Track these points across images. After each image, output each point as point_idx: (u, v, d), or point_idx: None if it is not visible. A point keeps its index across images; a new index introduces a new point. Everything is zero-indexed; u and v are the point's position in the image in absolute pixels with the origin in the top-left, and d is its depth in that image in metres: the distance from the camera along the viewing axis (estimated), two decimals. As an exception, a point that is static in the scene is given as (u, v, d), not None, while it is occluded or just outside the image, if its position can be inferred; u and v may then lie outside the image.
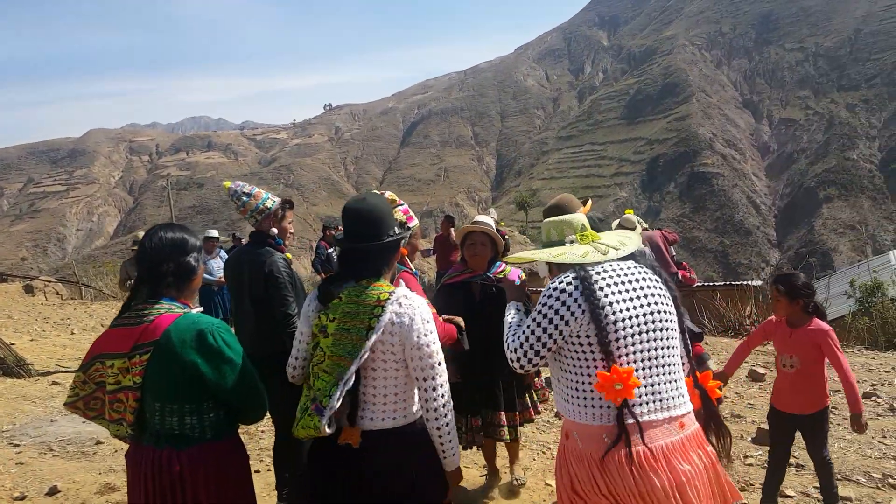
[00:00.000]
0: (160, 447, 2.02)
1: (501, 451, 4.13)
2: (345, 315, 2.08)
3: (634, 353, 1.96)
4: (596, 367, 1.97)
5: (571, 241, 2.19)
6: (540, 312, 2.04)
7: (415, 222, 3.05)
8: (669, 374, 2.01)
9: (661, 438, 1.93)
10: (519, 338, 2.09)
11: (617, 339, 1.95)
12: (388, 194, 3.10)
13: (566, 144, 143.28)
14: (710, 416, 2.11)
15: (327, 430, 2.01)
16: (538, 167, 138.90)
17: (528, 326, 2.07)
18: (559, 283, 2.05)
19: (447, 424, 2.12)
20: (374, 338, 2.02)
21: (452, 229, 9.07)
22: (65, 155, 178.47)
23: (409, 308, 2.09)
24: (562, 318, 1.99)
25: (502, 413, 3.63)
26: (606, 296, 1.98)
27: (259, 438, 5.17)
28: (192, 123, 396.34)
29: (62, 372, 7.79)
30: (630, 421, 1.90)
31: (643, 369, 1.96)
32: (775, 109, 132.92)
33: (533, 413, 3.79)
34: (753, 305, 8.66)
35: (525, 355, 2.06)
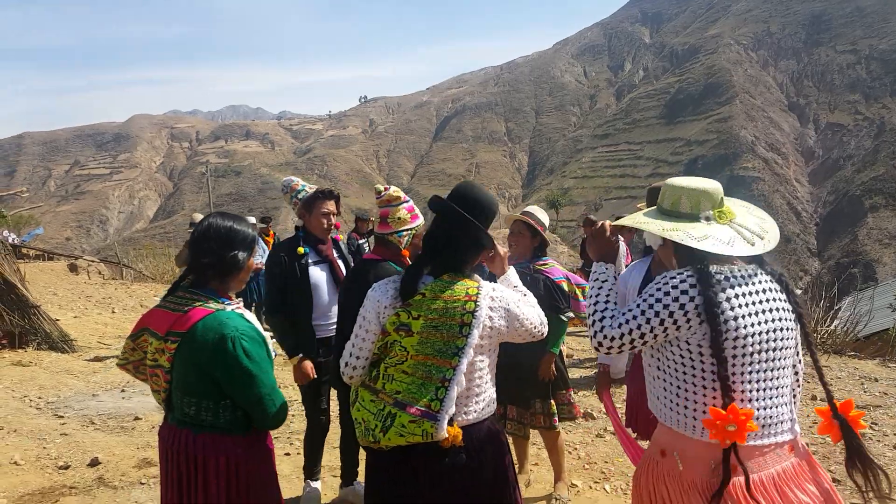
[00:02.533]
0: (181, 427, 2.06)
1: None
2: (432, 312, 1.97)
3: (752, 372, 1.73)
4: (705, 382, 1.74)
5: (708, 219, 1.83)
6: (649, 305, 1.77)
7: (419, 220, 3.05)
8: (783, 395, 1.79)
9: (771, 465, 1.75)
10: (616, 321, 1.83)
11: (734, 357, 1.71)
12: (393, 189, 3.12)
13: (601, 143, 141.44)
14: (853, 451, 1.83)
15: (444, 435, 1.92)
16: (571, 165, 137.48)
17: (632, 312, 1.80)
18: (679, 279, 1.76)
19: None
20: (475, 334, 1.94)
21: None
22: (109, 139, 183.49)
23: (501, 300, 2.03)
24: (675, 321, 1.74)
25: (570, 391, 3.69)
26: (732, 308, 1.72)
27: (289, 422, 5.28)
28: (231, 112, 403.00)
29: (104, 348, 8.05)
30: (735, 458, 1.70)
31: (759, 390, 1.74)
32: (822, 113, 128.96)
33: (542, 420, 3.63)
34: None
35: (615, 342, 1.82)
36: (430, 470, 1.98)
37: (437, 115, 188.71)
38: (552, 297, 3.51)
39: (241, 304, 2.12)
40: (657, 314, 1.76)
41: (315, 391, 3.55)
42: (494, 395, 2.12)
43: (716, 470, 1.72)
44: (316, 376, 3.46)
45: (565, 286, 3.61)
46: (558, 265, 3.73)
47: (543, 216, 3.75)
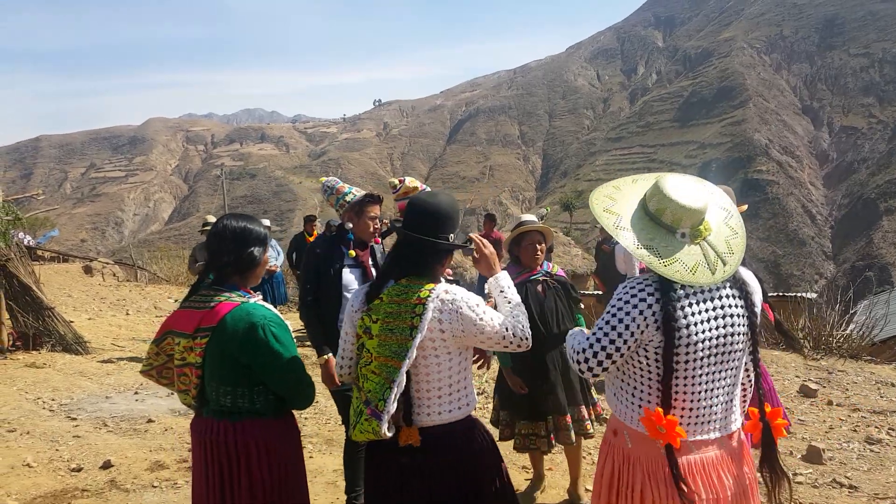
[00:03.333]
0: (219, 419, 2.19)
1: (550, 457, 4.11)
2: (387, 315, 2.05)
3: (700, 375, 1.86)
4: (649, 384, 1.89)
5: (683, 236, 1.90)
6: (615, 316, 1.89)
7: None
8: (729, 394, 1.93)
9: (710, 451, 1.90)
10: (588, 339, 1.95)
11: (685, 363, 1.84)
12: (409, 180, 3.14)
13: (615, 146, 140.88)
14: (767, 456, 1.96)
15: (388, 434, 1.99)
16: (585, 168, 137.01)
17: (601, 329, 1.91)
18: (639, 288, 1.89)
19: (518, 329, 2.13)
20: (418, 338, 1.99)
21: (495, 228, 9.17)
22: (125, 142, 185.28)
23: (452, 303, 2.04)
24: (637, 326, 1.86)
25: (583, 407, 3.65)
26: (687, 316, 1.83)
27: (302, 425, 5.29)
28: (246, 115, 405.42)
29: (117, 350, 8.11)
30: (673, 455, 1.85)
31: (706, 391, 1.87)
32: (836, 117, 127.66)
33: (601, 408, 3.80)
34: (807, 318, 8.37)
35: (595, 357, 1.92)
36: (391, 467, 2.09)
37: (451, 119, 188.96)
38: (575, 295, 3.74)
39: (261, 297, 2.24)
40: (621, 321, 1.87)
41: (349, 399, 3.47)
42: (470, 401, 2.14)
43: (661, 452, 1.85)
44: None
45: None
46: (556, 265, 3.89)
47: (536, 218, 3.90)
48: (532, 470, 4.07)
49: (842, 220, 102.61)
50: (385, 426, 1.97)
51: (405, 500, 2.07)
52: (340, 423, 3.74)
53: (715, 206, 2.00)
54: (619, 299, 1.91)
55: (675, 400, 1.87)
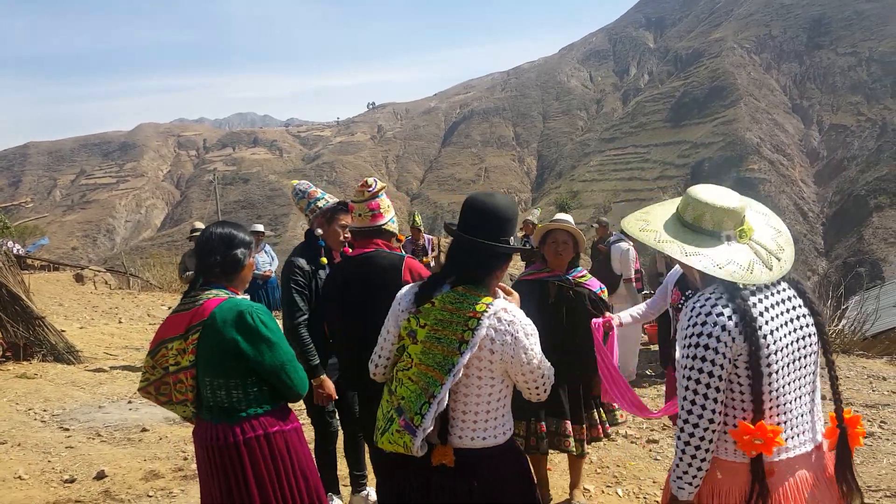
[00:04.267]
0: (216, 422, 2.28)
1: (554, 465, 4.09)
2: (437, 322, 1.94)
3: (788, 383, 1.76)
4: (738, 399, 1.76)
5: (729, 238, 1.81)
6: (696, 347, 1.72)
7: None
8: (812, 401, 1.85)
9: (801, 470, 1.79)
10: (690, 405, 1.74)
11: (770, 374, 1.73)
12: (371, 180, 3.17)
13: (609, 146, 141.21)
14: (842, 464, 1.84)
15: (420, 452, 1.90)
16: (580, 169, 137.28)
17: (687, 378, 1.73)
18: (710, 303, 1.74)
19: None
20: (468, 354, 1.87)
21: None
22: (115, 148, 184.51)
23: (510, 325, 1.93)
24: (723, 343, 1.71)
25: (569, 422, 3.44)
26: (763, 324, 1.73)
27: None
28: (238, 119, 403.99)
29: (110, 359, 8.06)
30: (771, 461, 1.75)
31: (794, 399, 1.78)
32: (826, 115, 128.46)
33: (601, 431, 3.57)
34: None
35: (699, 413, 1.72)
36: (416, 483, 1.98)
37: (446, 121, 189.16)
38: (599, 310, 3.43)
39: (248, 298, 2.40)
40: (710, 353, 1.71)
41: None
42: (507, 429, 2.04)
43: (768, 474, 1.74)
44: (336, 397, 3.36)
45: (605, 296, 3.55)
46: (592, 276, 3.63)
47: (570, 219, 3.67)
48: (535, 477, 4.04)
49: (833, 217, 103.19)
50: (418, 444, 1.88)
51: None
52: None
53: (751, 209, 1.96)
54: (692, 326, 1.74)
55: (769, 412, 1.75)
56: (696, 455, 1.74)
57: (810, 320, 1.83)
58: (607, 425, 3.64)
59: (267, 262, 8.42)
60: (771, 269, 1.77)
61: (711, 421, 1.72)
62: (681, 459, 1.78)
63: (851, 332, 8.34)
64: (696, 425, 1.73)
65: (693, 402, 1.73)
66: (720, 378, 1.71)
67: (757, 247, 1.81)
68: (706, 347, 1.70)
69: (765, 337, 1.71)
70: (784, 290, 1.84)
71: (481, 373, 1.93)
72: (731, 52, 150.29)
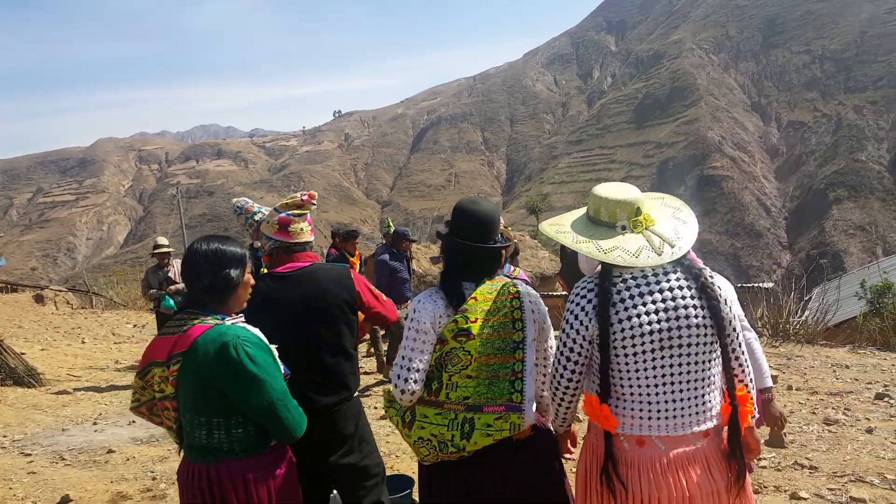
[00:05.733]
0: (194, 460, 2.03)
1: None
2: (486, 313, 2.06)
3: (654, 367, 1.85)
4: (596, 376, 1.93)
5: (623, 228, 1.95)
6: (566, 322, 1.95)
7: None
8: (696, 390, 1.88)
9: (683, 451, 1.87)
10: (553, 368, 2.02)
11: (632, 355, 1.86)
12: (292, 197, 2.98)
13: (576, 149, 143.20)
14: (731, 443, 1.91)
15: (532, 421, 2.05)
16: (548, 171, 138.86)
17: (557, 349, 1.99)
18: (581, 288, 1.96)
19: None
20: (531, 327, 2.08)
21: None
22: (74, 164, 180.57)
23: (534, 295, 2.19)
24: (581, 323, 1.91)
25: None
26: (627, 308, 1.85)
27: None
28: (201, 132, 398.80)
29: (73, 381, 7.84)
30: (620, 439, 1.90)
31: (660, 385, 1.86)
32: (783, 112, 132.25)
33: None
34: (765, 308, 8.61)
35: (559, 371, 1.98)
36: (503, 466, 2.05)
37: (414, 127, 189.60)
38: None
39: (243, 318, 2.11)
40: (571, 326, 1.92)
41: None
42: (535, 392, 2.20)
43: (626, 448, 1.89)
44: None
45: None
46: (518, 268, 3.93)
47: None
48: None
49: (794, 210, 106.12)
50: (530, 416, 2.03)
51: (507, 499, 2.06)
52: None
53: (661, 204, 2.08)
54: (568, 304, 1.97)
55: (628, 392, 1.88)
56: (558, 405, 2.04)
57: (701, 312, 1.88)
58: None
59: None
60: (660, 255, 1.88)
61: (561, 385, 1.97)
62: (552, 406, 2.08)
63: (815, 323, 8.56)
64: (554, 385, 2.01)
65: (554, 368, 2.00)
66: (573, 351, 1.92)
67: (651, 235, 1.92)
68: (568, 323, 1.93)
69: (622, 321, 1.84)
70: (674, 279, 1.90)
71: (534, 343, 2.13)
72: (690, 53, 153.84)
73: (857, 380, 6.19)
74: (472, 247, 2.15)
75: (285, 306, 2.61)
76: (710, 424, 1.90)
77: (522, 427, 2.02)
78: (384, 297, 2.90)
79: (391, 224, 9.69)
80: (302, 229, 2.76)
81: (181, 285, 7.67)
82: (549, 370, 2.09)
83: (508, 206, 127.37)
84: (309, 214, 2.88)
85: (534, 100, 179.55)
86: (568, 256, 8.16)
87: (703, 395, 1.89)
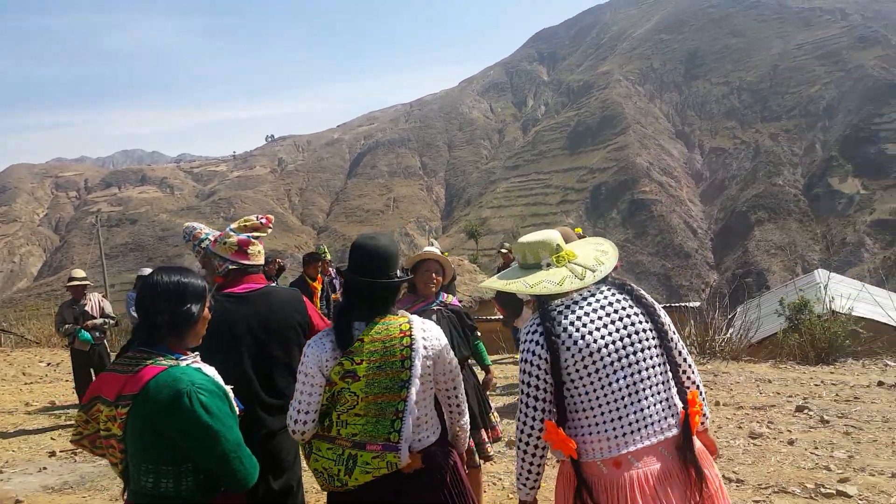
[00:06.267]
0: None
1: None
2: (372, 354, 2.12)
3: (616, 381, 1.90)
4: (584, 403, 1.93)
5: (548, 265, 2.06)
6: (523, 370, 1.98)
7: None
8: (660, 392, 1.94)
9: (655, 463, 1.88)
10: (519, 412, 2.01)
11: (596, 372, 1.90)
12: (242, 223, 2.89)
13: (513, 174, 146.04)
14: (684, 443, 1.93)
15: (407, 461, 2.09)
16: (487, 196, 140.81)
17: (523, 393, 1.98)
18: (529, 327, 2.02)
19: (468, 433, 2.45)
20: (418, 365, 2.12)
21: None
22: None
23: (431, 330, 2.23)
24: (539, 357, 1.94)
25: (483, 430, 3.67)
26: (578, 329, 1.91)
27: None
28: (124, 157, 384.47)
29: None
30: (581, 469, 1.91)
31: (629, 395, 1.90)
32: (706, 139, 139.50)
33: (499, 431, 3.84)
34: (692, 326, 8.89)
35: (528, 413, 1.97)
36: (398, 497, 2.13)
37: (350, 152, 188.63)
38: (470, 323, 3.77)
39: (199, 357, 2.02)
40: (530, 364, 1.95)
41: None
42: (439, 423, 2.31)
43: (603, 471, 1.89)
44: None
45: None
46: (452, 295, 3.92)
47: (438, 250, 3.95)
48: None
49: (719, 232, 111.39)
50: (405, 455, 2.08)
51: None
52: None
53: (584, 243, 2.22)
54: (523, 343, 2.00)
55: (598, 413, 1.90)
56: (524, 458, 1.98)
57: (642, 318, 1.97)
58: (497, 427, 3.86)
59: None
60: (582, 279, 1.98)
61: (533, 427, 1.95)
62: (517, 461, 2.02)
63: (739, 340, 8.91)
64: (521, 430, 1.98)
65: (520, 410, 1.98)
66: (539, 388, 1.93)
67: (574, 266, 2.04)
68: (527, 362, 1.96)
69: (576, 342, 1.89)
70: (609, 296, 1.99)
71: (423, 378, 2.17)
72: (618, 83, 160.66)
73: (779, 393, 6.44)
74: (367, 282, 2.20)
75: (243, 326, 2.64)
76: (674, 431, 1.92)
77: (400, 465, 2.08)
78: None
79: (326, 251, 9.51)
80: (259, 251, 2.78)
81: (99, 320, 7.23)
82: (522, 407, 2.01)
83: (448, 230, 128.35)
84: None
85: (471, 126, 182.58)
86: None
87: (668, 398, 1.95)
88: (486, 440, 3.71)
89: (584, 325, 1.92)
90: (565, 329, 1.91)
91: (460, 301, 3.94)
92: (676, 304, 10.25)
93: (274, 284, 9.20)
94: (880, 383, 6.58)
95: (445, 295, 3.79)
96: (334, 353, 2.15)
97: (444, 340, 2.26)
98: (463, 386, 2.39)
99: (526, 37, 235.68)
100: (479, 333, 3.89)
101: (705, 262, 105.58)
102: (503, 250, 8.75)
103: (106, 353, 7.20)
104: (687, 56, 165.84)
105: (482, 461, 3.70)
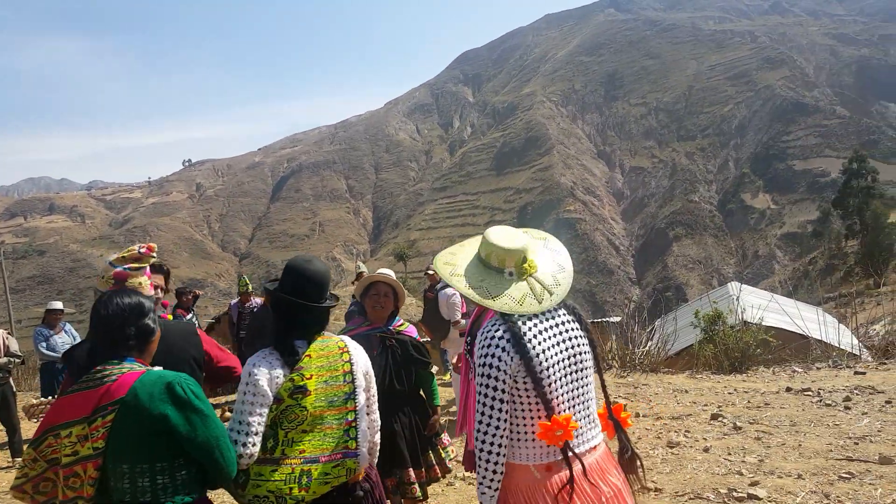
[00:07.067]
0: None
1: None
2: (320, 368, 2.23)
3: (565, 394, 2.05)
4: (531, 411, 2.03)
5: (511, 274, 2.12)
6: (487, 375, 2.01)
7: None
8: (589, 408, 2.13)
9: (596, 458, 2.10)
10: (481, 417, 2.03)
11: (550, 385, 2.01)
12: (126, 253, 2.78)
13: (441, 195, 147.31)
14: (623, 445, 2.21)
15: (366, 464, 2.25)
16: (415, 218, 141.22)
17: (484, 395, 2.02)
18: (490, 330, 2.06)
19: (378, 449, 2.51)
20: (360, 377, 2.30)
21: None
22: None
23: (360, 349, 2.41)
24: (505, 363, 2.01)
25: (411, 469, 3.43)
26: (535, 346, 2.02)
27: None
28: (29, 185, 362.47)
29: None
30: (570, 454, 2.04)
31: (575, 405, 2.07)
32: (626, 158, 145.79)
33: (439, 471, 3.58)
34: (613, 341, 9.14)
35: (488, 421, 2.01)
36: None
37: (273, 176, 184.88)
38: (422, 355, 3.52)
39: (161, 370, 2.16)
40: (490, 367, 2.00)
41: None
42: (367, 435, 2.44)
43: (536, 477, 2.03)
44: None
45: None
46: (409, 324, 3.68)
47: (392, 273, 3.74)
48: None
49: (640, 249, 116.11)
50: (366, 459, 2.24)
51: None
52: None
53: (544, 248, 2.26)
54: (480, 350, 2.05)
55: (558, 409, 2.05)
56: (489, 460, 2.01)
57: (584, 342, 2.13)
58: (446, 462, 3.64)
59: (68, 343, 7.41)
60: (541, 303, 2.06)
61: (498, 428, 2.00)
62: (479, 466, 2.03)
63: (657, 352, 9.21)
64: (485, 433, 2.01)
65: (482, 414, 2.01)
66: (503, 391, 1.99)
67: (534, 282, 2.10)
68: (490, 366, 1.99)
69: (538, 355, 1.99)
70: (561, 315, 2.13)
71: (364, 391, 2.32)
72: (542, 105, 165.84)
73: (695, 403, 6.66)
74: (305, 306, 2.27)
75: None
76: (601, 437, 2.16)
77: (358, 471, 2.22)
78: (228, 351, 2.88)
79: (248, 282, 9.21)
80: (140, 283, 2.58)
81: (3, 359, 6.75)
82: (477, 431, 2.06)
83: (376, 253, 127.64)
84: (148, 268, 2.66)
85: (397, 148, 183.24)
86: (429, 303, 8.17)
87: (591, 413, 2.15)
88: (413, 479, 3.45)
89: (542, 342, 2.03)
90: (529, 340, 2.02)
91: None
92: (598, 320, 10.51)
93: (189, 315, 8.88)
94: (788, 389, 6.91)
95: (400, 321, 3.61)
96: (283, 370, 2.18)
97: (369, 360, 2.40)
98: (377, 404, 2.46)
99: (450, 58, 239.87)
100: (433, 370, 3.64)
101: (628, 278, 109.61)
102: (430, 272, 8.74)
103: (11, 394, 6.69)
104: (606, 78, 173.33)
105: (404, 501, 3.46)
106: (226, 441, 2.04)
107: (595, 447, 2.12)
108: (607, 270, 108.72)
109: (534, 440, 2.03)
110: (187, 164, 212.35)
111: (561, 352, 2.06)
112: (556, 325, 2.10)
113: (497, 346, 2.01)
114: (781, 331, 10.17)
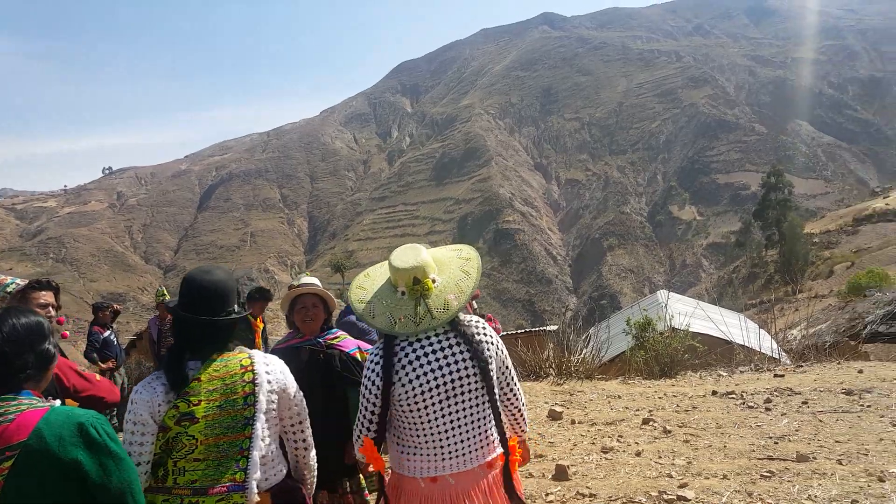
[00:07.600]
0: None
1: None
2: (211, 393, 2.03)
3: (440, 417, 2.14)
4: (412, 429, 2.18)
5: (403, 294, 2.19)
6: (361, 392, 2.21)
7: None
8: (478, 428, 2.19)
9: (469, 482, 2.18)
10: (358, 421, 2.24)
11: (418, 405, 2.12)
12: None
13: (380, 205, 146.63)
14: (506, 484, 2.23)
15: (255, 499, 2.04)
16: (353, 228, 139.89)
17: (361, 405, 2.21)
18: (373, 354, 2.22)
19: (315, 470, 2.41)
20: (262, 400, 2.07)
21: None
22: None
23: (276, 365, 2.18)
24: (373, 384, 2.16)
25: (326, 492, 3.28)
26: (408, 373, 2.12)
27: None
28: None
29: None
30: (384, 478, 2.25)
31: (452, 429, 2.15)
32: (561, 171, 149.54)
33: (352, 499, 3.38)
34: (550, 349, 9.29)
35: (360, 433, 2.21)
36: None
37: (200, 185, 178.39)
38: (351, 371, 3.31)
39: (60, 402, 1.90)
40: (366, 386, 2.19)
41: None
42: (285, 463, 2.29)
43: (433, 482, 2.17)
44: None
45: (359, 357, 3.40)
46: (348, 336, 3.52)
47: (318, 282, 3.61)
48: None
49: (577, 259, 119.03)
50: (253, 495, 2.02)
51: None
52: None
53: (456, 256, 2.34)
54: (364, 370, 2.23)
55: (423, 441, 2.17)
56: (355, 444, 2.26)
57: (469, 364, 2.17)
58: (365, 492, 3.45)
59: None
60: (417, 325, 2.13)
61: (361, 433, 2.21)
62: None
63: (591, 359, 9.43)
64: (358, 433, 2.23)
65: (359, 420, 2.22)
66: (369, 410, 2.17)
67: (421, 305, 2.16)
68: (365, 387, 2.19)
69: (410, 381, 2.11)
70: (446, 339, 2.18)
71: (268, 415, 2.11)
72: (480, 117, 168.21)
73: (627, 408, 6.82)
74: (197, 320, 2.10)
75: None
76: (494, 454, 2.22)
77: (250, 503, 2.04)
78: (97, 377, 2.70)
79: (166, 293, 8.77)
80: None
81: None
82: (360, 424, 2.23)
83: (313, 264, 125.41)
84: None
85: (334, 157, 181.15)
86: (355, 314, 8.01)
87: (485, 432, 2.21)
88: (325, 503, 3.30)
89: (420, 367, 2.12)
90: (404, 367, 2.12)
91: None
92: (535, 329, 10.67)
93: (108, 333, 8.44)
94: (714, 392, 7.17)
95: (336, 333, 3.43)
96: (167, 396, 2.02)
97: (289, 375, 2.21)
98: (309, 420, 2.33)
99: (388, 69, 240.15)
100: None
101: (565, 287, 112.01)
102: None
103: None
104: (542, 92, 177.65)
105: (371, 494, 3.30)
106: (138, 485, 1.84)
107: (470, 471, 2.17)
108: (546, 280, 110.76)
109: (419, 455, 2.16)
110: (108, 171, 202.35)
111: (437, 377, 2.12)
112: (440, 350, 2.15)
113: (371, 371, 2.17)
114: (707, 336, 10.60)
